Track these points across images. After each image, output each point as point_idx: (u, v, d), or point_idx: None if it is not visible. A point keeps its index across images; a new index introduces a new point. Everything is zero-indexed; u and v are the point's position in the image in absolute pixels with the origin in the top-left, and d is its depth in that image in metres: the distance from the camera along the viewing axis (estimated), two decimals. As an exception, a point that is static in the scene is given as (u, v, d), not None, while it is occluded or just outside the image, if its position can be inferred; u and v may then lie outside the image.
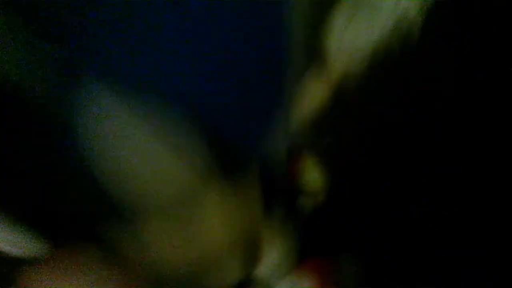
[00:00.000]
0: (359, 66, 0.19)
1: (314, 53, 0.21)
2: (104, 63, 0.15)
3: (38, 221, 0.18)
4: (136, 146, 0.17)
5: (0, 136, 0.16)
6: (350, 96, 0.20)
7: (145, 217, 0.18)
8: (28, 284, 0.20)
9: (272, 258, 0.28)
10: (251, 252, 0.23)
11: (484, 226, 0.23)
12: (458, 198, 0.23)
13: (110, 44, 0.15)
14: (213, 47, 0.16)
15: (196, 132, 0.17)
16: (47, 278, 0.20)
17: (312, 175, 0.25)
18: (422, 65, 0.19)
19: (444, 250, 0.24)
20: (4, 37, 0.14)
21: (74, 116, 0.15)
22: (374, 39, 0.19)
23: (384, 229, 0.26)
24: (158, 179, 0.17)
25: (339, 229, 0.28)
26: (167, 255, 0.20)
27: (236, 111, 0.18)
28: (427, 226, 0.24)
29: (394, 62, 0.19)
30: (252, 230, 0.22)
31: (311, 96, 0.22)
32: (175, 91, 0.17)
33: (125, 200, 0.17)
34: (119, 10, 0.15)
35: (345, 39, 0.20)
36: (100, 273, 0.20)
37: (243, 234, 0.21)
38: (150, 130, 0.16)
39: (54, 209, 0.18)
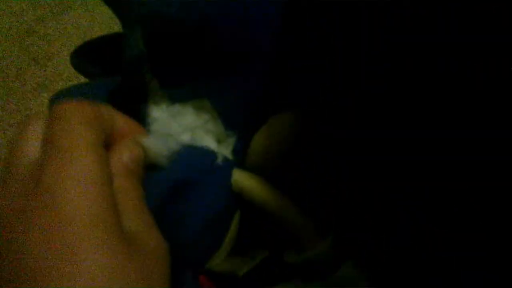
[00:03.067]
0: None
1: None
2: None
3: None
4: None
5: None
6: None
7: None
8: None
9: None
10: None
11: (484, 226, 0.23)
12: (458, 198, 0.23)
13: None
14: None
15: None
16: None
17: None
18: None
19: (444, 250, 0.24)
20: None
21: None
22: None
23: (382, 229, 0.26)
24: None
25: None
26: None
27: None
28: (427, 226, 0.24)
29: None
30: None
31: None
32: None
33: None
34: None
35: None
36: None
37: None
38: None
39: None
